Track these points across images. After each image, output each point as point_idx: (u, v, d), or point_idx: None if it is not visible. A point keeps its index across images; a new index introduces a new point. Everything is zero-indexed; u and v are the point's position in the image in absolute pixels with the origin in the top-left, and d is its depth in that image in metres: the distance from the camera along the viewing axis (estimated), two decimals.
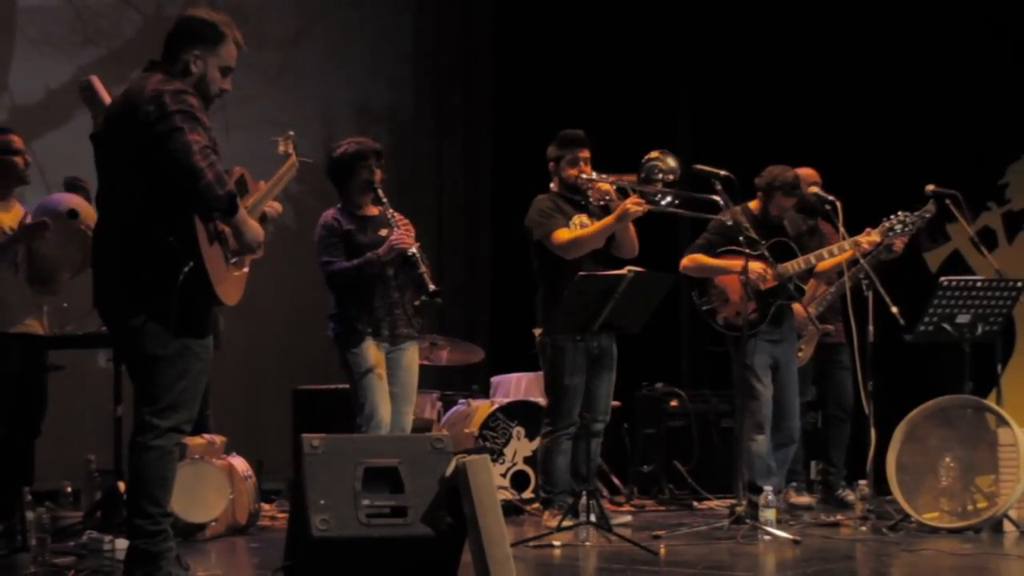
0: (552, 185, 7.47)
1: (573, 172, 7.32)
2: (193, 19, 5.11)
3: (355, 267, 6.73)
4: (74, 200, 7.10)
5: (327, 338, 6.89)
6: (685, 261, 7.73)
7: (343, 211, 6.91)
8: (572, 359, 7.15)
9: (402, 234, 6.73)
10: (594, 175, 7.26)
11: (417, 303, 6.84)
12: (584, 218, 7.35)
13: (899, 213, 7.65)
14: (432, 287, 6.64)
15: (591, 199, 7.31)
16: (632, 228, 7.22)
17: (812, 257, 7.61)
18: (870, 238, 7.60)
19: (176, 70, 5.04)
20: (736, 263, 7.41)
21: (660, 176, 7.04)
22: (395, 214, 6.84)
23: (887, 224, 7.65)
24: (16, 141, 7.22)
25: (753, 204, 7.78)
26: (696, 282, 7.78)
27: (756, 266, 7.43)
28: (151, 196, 4.92)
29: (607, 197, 7.20)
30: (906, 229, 7.66)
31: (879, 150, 9.92)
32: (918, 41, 9.96)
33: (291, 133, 5.97)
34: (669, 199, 7.02)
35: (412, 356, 6.94)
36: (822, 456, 8.60)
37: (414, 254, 6.71)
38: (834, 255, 7.64)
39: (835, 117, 10.07)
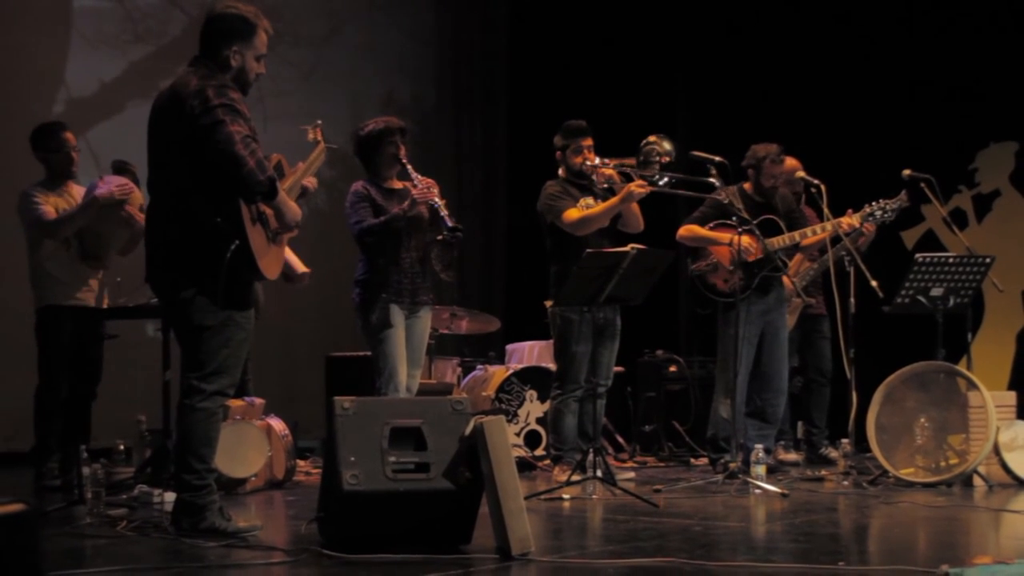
0: (560, 172, 7.46)
1: (578, 160, 7.32)
2: (226, 16, 5.07)
3: (382, 222, 6.67)
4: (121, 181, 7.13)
5: (353, 303, 6.81)
6: (682, 231, 7.73)
7: (370, 182, 6.87)
8: (579, 329, 7.18)
9: (423, 189, 6.64)
10: (597, 161, 7.26)
11: (440, 237, 6.75)
12: (590, 200, 7.35)
13: (880, 201, 7.62)
14: (451, 223, 6.53)
15: (596, 182, 7.32)
16: (636, 206, 7.23)
17: (797, 235, 7.59)
18: (851, 220, 7.59)
19: (216, 65, 5.03)
20: (726, 236, 7.43)
21: (657, 158, 7.04)
22: (419, 176, 6.71)
23: (867, 210, 7.62)
24: (71, 139, 7.21)
25: (747, 185, 7.77)
26: (691, 249, 7.78)
27: (744, 240, 7.43)
28: (198, 182, 4.92)
29: (611, 180, 7.22)
30: (884, 216, 7.63)
31: (861, 137, 9.89)
32: (901, 40, 9.92)
33: (319, 122, 5.96)
34: (667, 179, 7.02)
35: (426, 323, 6.91)
36: (805, 418, 8.60)
37: (436, 203, 6.63)
38: (817, 234, 7.63)
39: (821, 106, 10.04)
